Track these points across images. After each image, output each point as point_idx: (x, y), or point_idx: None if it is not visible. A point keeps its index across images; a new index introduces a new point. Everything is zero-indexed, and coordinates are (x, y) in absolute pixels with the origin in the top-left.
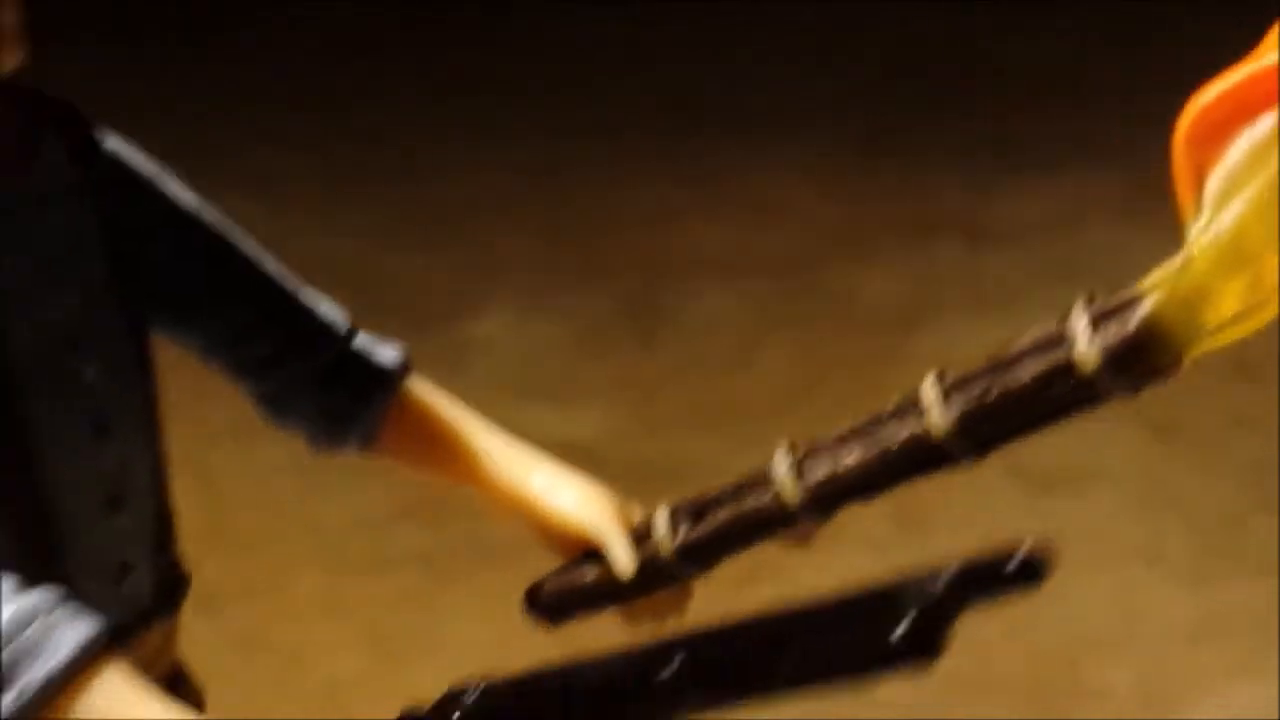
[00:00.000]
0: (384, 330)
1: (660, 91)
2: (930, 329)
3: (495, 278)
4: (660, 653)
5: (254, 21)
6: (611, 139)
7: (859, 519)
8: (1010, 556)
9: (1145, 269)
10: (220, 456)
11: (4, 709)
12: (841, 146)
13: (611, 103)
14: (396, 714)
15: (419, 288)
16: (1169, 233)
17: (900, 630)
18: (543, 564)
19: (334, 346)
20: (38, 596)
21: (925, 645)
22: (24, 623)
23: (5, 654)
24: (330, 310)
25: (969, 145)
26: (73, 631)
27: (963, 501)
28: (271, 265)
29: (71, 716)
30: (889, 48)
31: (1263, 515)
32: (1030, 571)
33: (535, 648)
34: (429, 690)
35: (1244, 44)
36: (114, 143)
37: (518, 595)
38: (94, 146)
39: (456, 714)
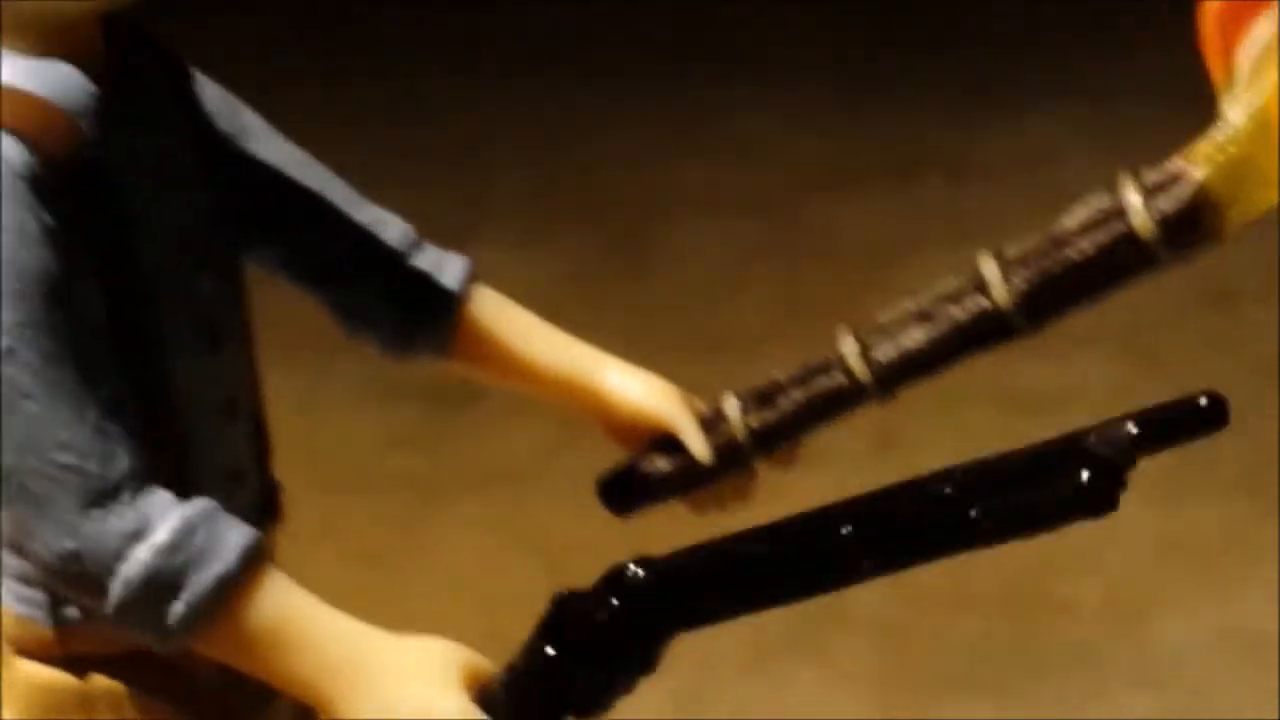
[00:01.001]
0: None
1: (646, 35)
2: (912, 263)
3: (487, 215)
4: (828, 520)
5: None
6: (600, 81)
7: (839, 438)
8: (1192, 402)
9: None
10: None
11: (178, 614)
12: (823, 85)
13: (601, 46)
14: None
15: (412, 222)
16: (1145, 167)
17: (1080, 482)
18: (532, 492)
19: (400, 261)
20: (196, 505)
21: (1104, 497)
22: (189, 530)
23: (176, 560)
24: (397, 227)
25: (950, 82)
26: (236, 535)
27: (941, 423)
28: (339, 186)
29: (242, 619)
30: None
31: (1231, 436)
32: (1215, 414)
33: (525, 569)
34: (422, 604)
35: None
36: (196, 74)
37: (508, 520)
38: (186, 75)
39: (623, 592)
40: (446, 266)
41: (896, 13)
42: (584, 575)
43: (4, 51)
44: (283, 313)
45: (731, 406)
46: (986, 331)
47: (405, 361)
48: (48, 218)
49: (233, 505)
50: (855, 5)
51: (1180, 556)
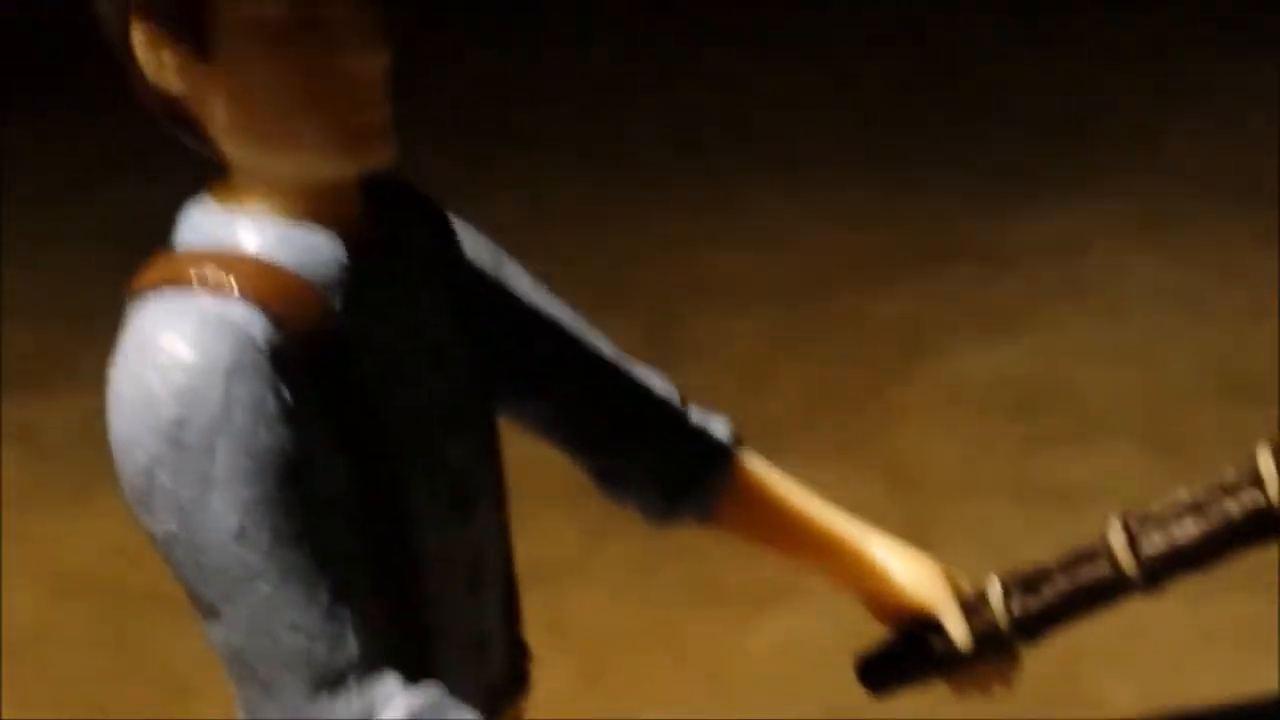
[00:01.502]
0: None
1: (673, 126)
2: (939, 351)
3: None
4: None
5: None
6: (628, 173)
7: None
8: None
9: (1146, 290)
10: None
11: None
12: (852, 173)
13: (627, 139)
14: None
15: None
16: (1167, 256)
17: None
18: (568, 590)
19: (670, 423)
20: (424, 694)
21: None
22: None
23: None
24: (664, 386)
25: (977, 172)
26: None
27: (967, 520)
28: (607, 344)
29: None
30: (899, 75)
31: None
32: None
33: (561, 668)
34: None
35: (1244, 81)
36: (461, 227)
37: (542, 618)
38: (449, 232)
39: None
40: (714, 425)
41: (924, 101)
42: (618, 674)
43: (256, 215)
44: None
45: (995, 592)
46: (1260, 528)
47: (667, 527)
48: (289, 394)
49: (478, 672)
50: (884, 94)
51: (1209, 653)
